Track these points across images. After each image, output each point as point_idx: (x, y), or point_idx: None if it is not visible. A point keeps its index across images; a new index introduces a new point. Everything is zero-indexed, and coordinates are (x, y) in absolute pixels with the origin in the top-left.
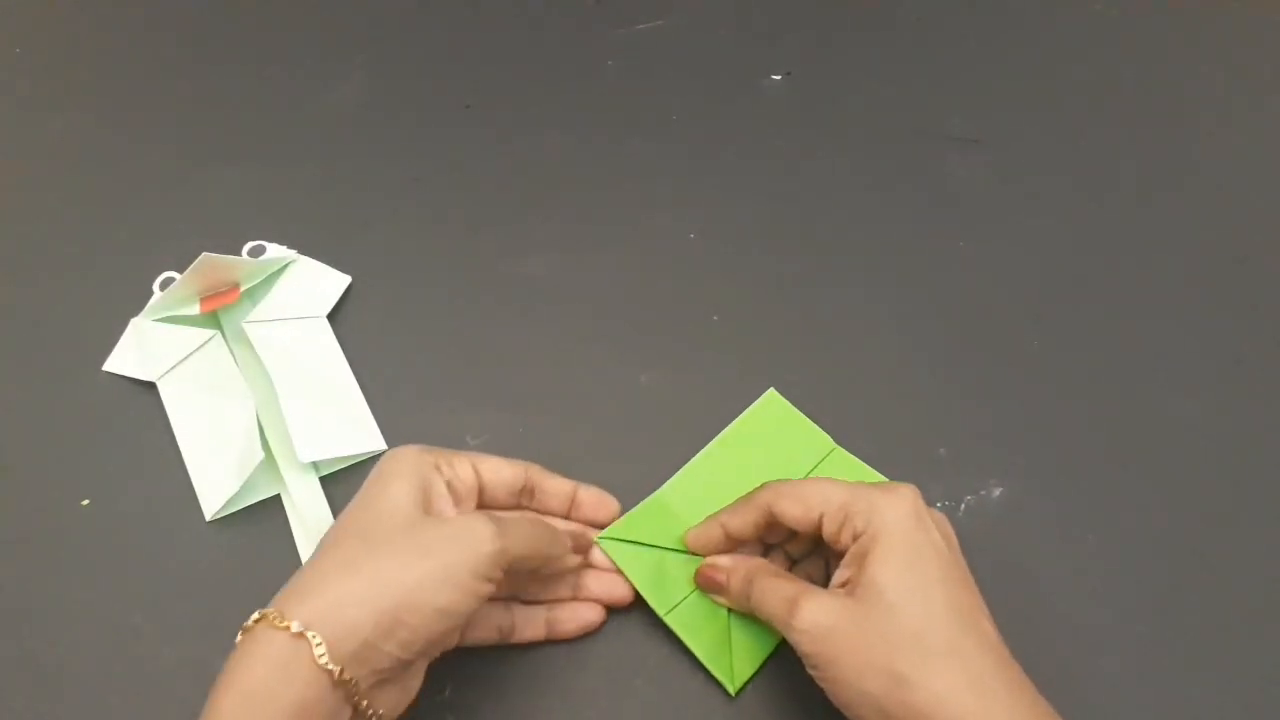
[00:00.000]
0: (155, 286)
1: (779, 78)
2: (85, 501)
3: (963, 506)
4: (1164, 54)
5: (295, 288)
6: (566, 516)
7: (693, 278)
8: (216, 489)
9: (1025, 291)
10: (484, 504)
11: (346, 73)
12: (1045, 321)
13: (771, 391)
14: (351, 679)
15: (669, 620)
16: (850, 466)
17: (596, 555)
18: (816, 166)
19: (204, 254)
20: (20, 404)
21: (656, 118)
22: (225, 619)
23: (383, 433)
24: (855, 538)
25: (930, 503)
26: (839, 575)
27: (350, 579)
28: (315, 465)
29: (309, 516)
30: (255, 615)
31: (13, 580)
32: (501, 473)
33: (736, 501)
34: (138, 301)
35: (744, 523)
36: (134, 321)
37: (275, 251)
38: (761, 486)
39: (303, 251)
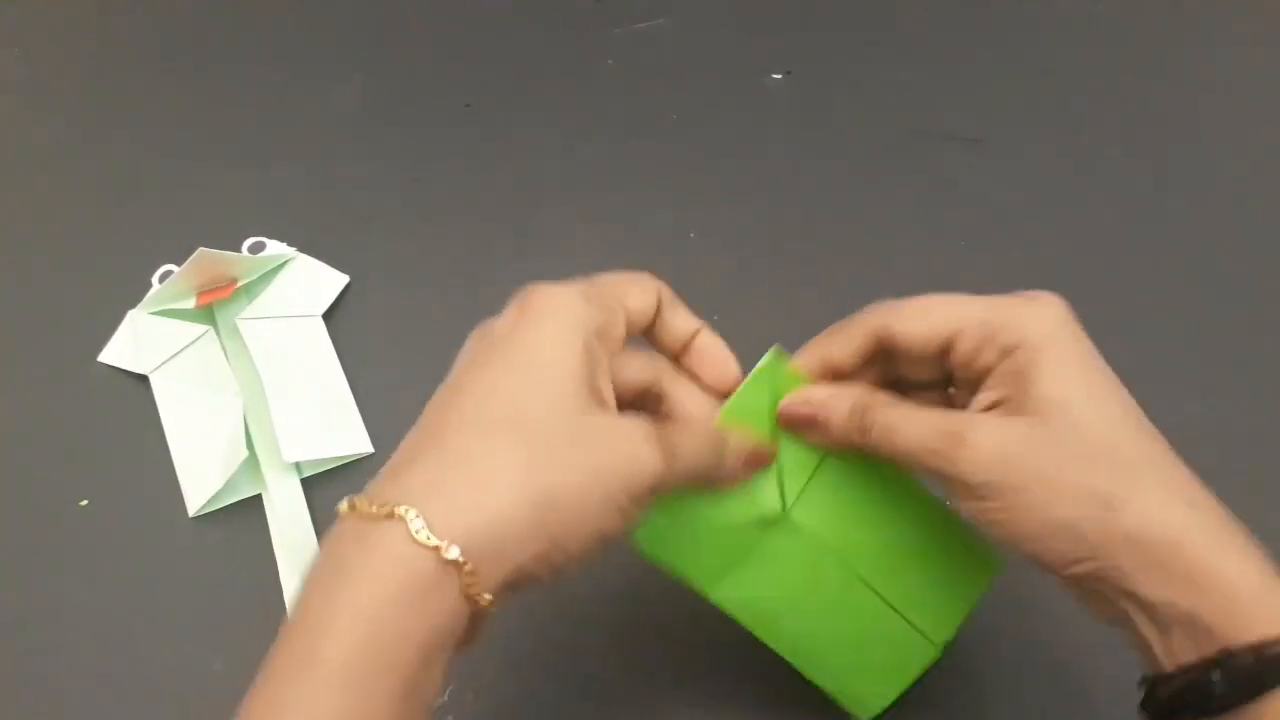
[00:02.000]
0: (154, 280)
1: (779, 77)
2: (84, 502)
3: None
4: (1164, 53)
5: (292, 285)
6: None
7: (693, 278)
8: (201, 486)
9: (1024, 291)
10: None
11: (346, 73)
12: None
13: (776, 349)
14: (494, 608)
15: (725, 603)
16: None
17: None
18: (816, 166)
19: (200, 249)
20: (15, 391)
21: (656, 118)
22: (211, 617)
23: (380, 432)
24: (1005, 354)
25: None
26: (984, 399)
27: (508, 485)
28: (298, 466)
29: (287, 518)
30: (370, 503)
31: (12, 580)
32: (639, 308)
33: (834, 327)
34: (137, 294)
35: (849, 351)
36: (131, 314)
37: (275, 249)
38: (867, 309)
39: (302, 250)
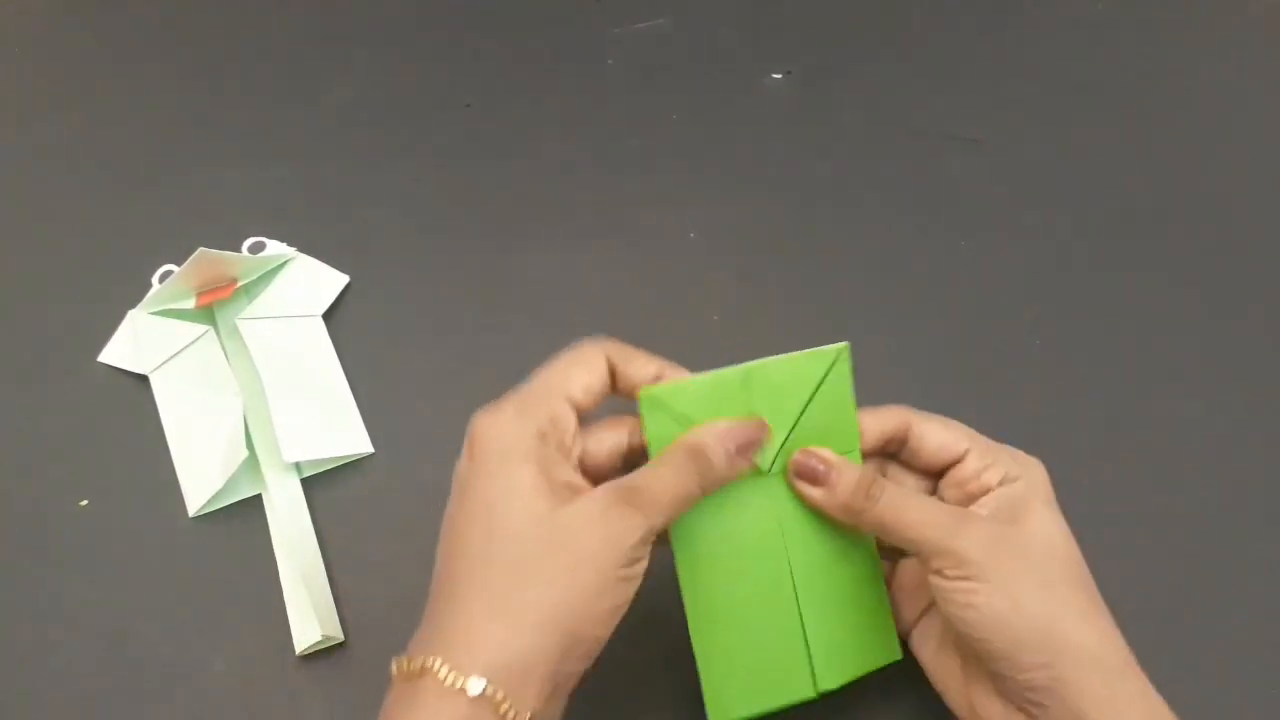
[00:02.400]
0: (154, 280)
1: (779, 77)
2: (83, 502)
3: None
4: (1165, 54)
5: (292, 286)
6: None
7: (693, 277)
8: (201, 485)
9: (1025, 291)
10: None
11: (346, 73)
12: (1045, 321)
13: (845, 346)
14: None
15: (678, 532)
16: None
17: None
18: (816, 166)
19: (200, 249)
20: (14, 391)
21: (656, 117)
22: (211, 617)
23: (380, 432)
24: (1005, 482)
25: None
26: (980, 510)
27: (512, 618)
28: (298, 466)
29: (287, 519)
30: (408, 662)
31: (12, 580)
32: (590, 386)
33: (869, 409)
34: (137, 294)
35: (879, 430)
36: (131, 314)
37: (275, 249)
38: (894, 408)
39: (302, 250)
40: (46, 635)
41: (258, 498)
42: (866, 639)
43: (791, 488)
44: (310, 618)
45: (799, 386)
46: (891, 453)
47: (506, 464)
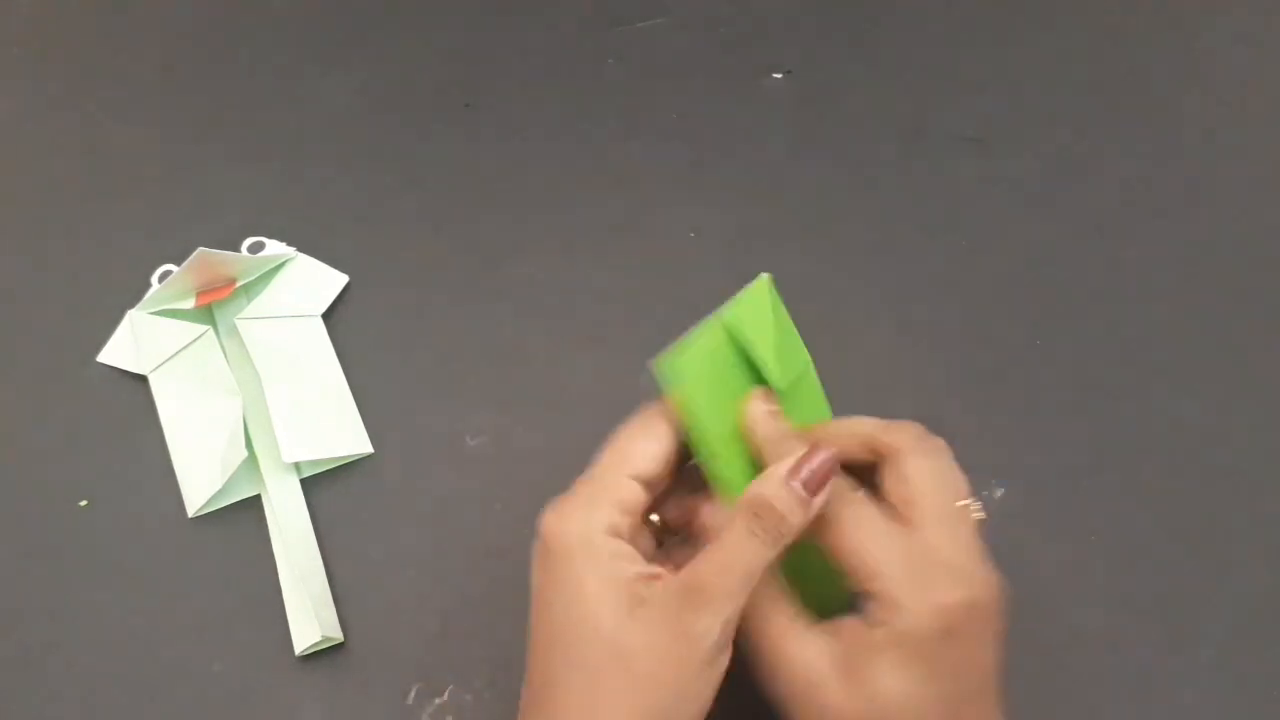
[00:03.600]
0: (153, 279)
1: (779, 77)
2: (83, 502)
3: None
4: (1165, 53)
5: (292, 286)
6: None
7: (693, 278)
8: (200, 486)
9: (1025, 291)
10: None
11: (346, 73)
12: (1045, 321)
13: (765, 278)
14: None
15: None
16: (813, 395)
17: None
18: (816, 166)
19: (200, 249)
20: (14, 391)
21: (656, 117)
22: (211, 617)
23: (380, 432)
24: (870, 616)
25: None
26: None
27: None
28: (298, 467)
29: (286, 519)
30: None
31: (12, 580)
32: (657, 455)
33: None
34: (136, 294)
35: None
36: (130, 314)
37: (274, 249)
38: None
39: (302, 250)
40: (46, 635)
41: (257, 498)
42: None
43: None
44: (309, 618)
45: (760, 320)
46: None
47: (571, 568)
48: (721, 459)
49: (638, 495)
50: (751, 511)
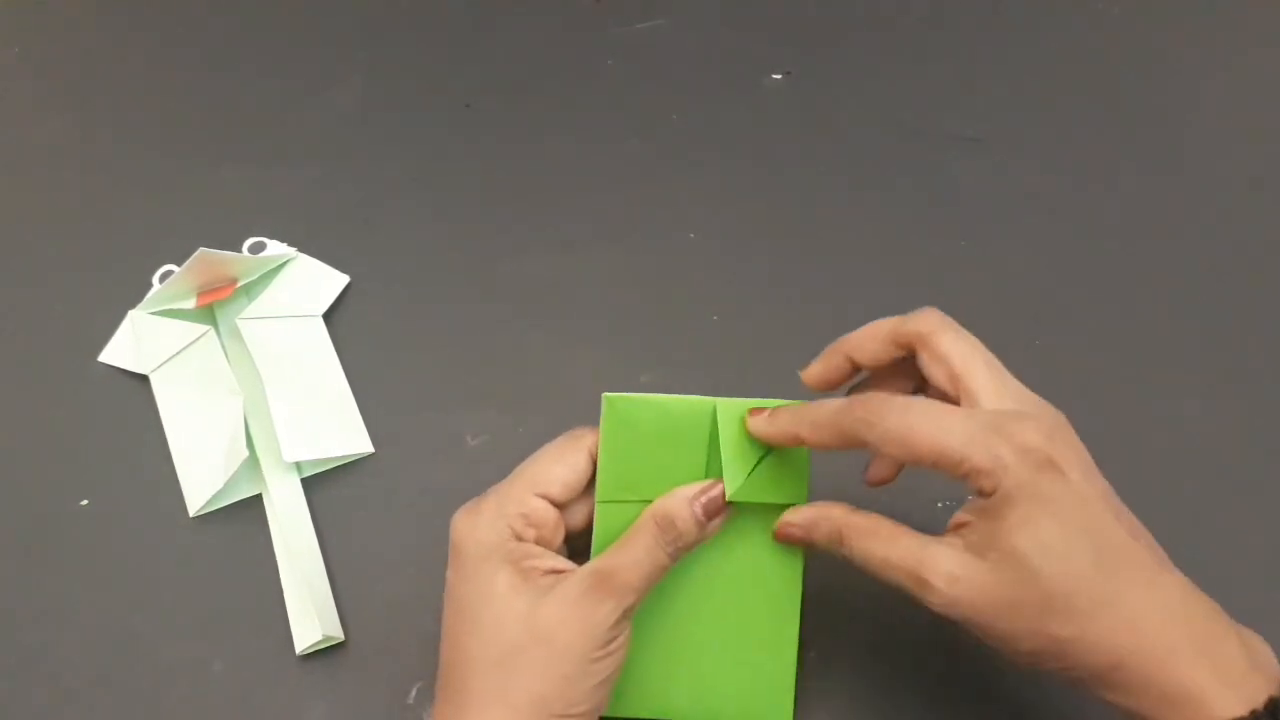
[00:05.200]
0: (155, 280)
1: (779, 77)
2: (85, 501)
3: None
4: (1165, 53)
5: (292, 286)
6: None
7: (693, 278)
8: (201, 485)
9: (1025, 291)
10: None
11: (346, 72)
12: (1045, 321)
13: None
14: None
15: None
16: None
17: None
18: (817, 166)
19: (201, 249)
20: (15, 391)
21: (656, 118)
22: (211, 617)
23: (380, 432)
24: (980, 493)
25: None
26: (959, 517)
27: (506, 710)
28: (299, 466)
29: (287, 519)
30: None
31: (12, 580)
32: (567, 481)
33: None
34: (137, 294)
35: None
36: (131, 314)
37: (275, 249)
38: (855, 402)
39: (302, 250)
40: (47, 635)
41: (258, 497)
42: (755, 694)
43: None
44: (310, 617)
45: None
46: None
47: (483, 566)
48: (607, 512)
49: (544, 511)
50: (656, 521)
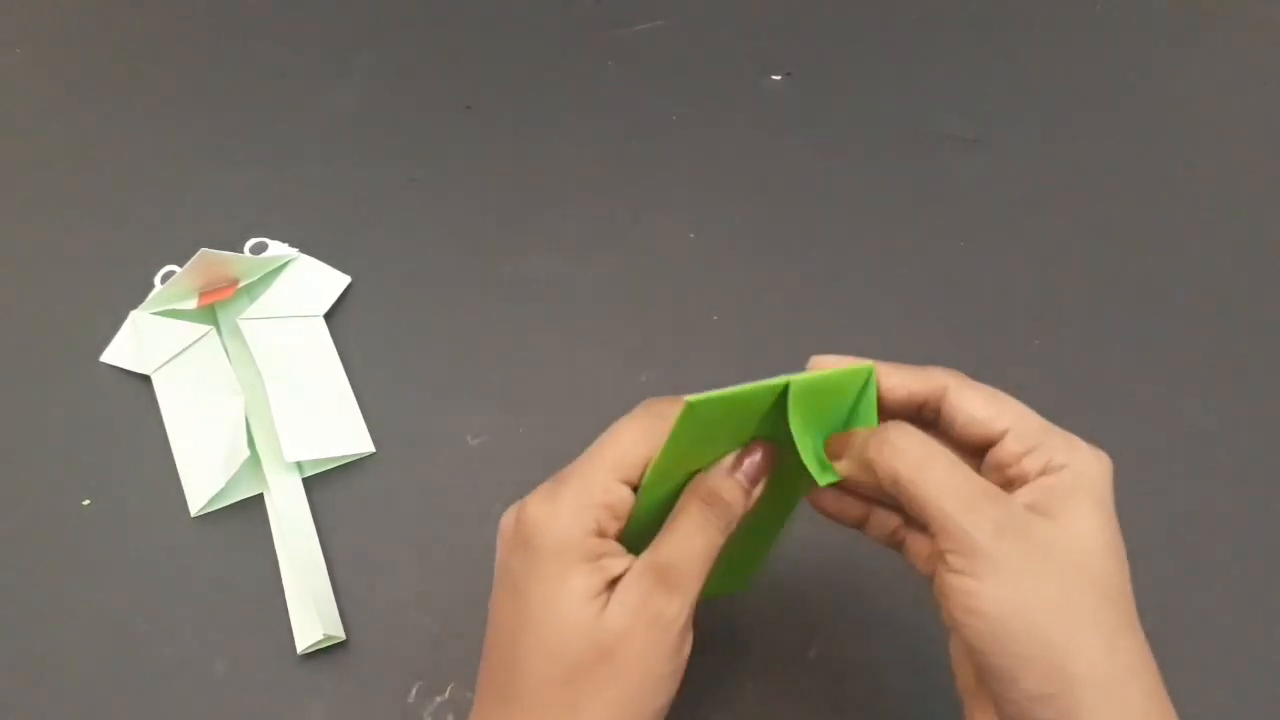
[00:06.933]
0: (156, 280)
1: (779, 78)
2: (86, 502)
3: None
4: (1165, 54)
5: (294, 286)
6: None
7: (693, 278)
8: (202, 485)
9: (1025, 291)
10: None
11: (346, 73)
12: (1045, 321)
13: (872, 367)
14: None
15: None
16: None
17: None
18: (816, 166)
19: (202, 250)
20: (17, 391)
21: (656, 118)
22: (212, 617)
23: (381, 432)
24: (1048, 471)
25: None
26: (1019, 499)
27: None
28: (300, 466)
29: (288, 518)
30: None
31: (14, 580)
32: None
33: (909, 367)
34: (139, 295)
35: (907, 391)
36: (133, 314)
37: (276, 249)
38: (935, 369)
39: (304, 250)
40: (48, 635)
41: (259, 497)
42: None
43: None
44: (312, 616)
45: (833, 405)
46: (929, 420)
47: (563, 568)
48: (653, 494)
49: (626, 500)
50: (701, 499)
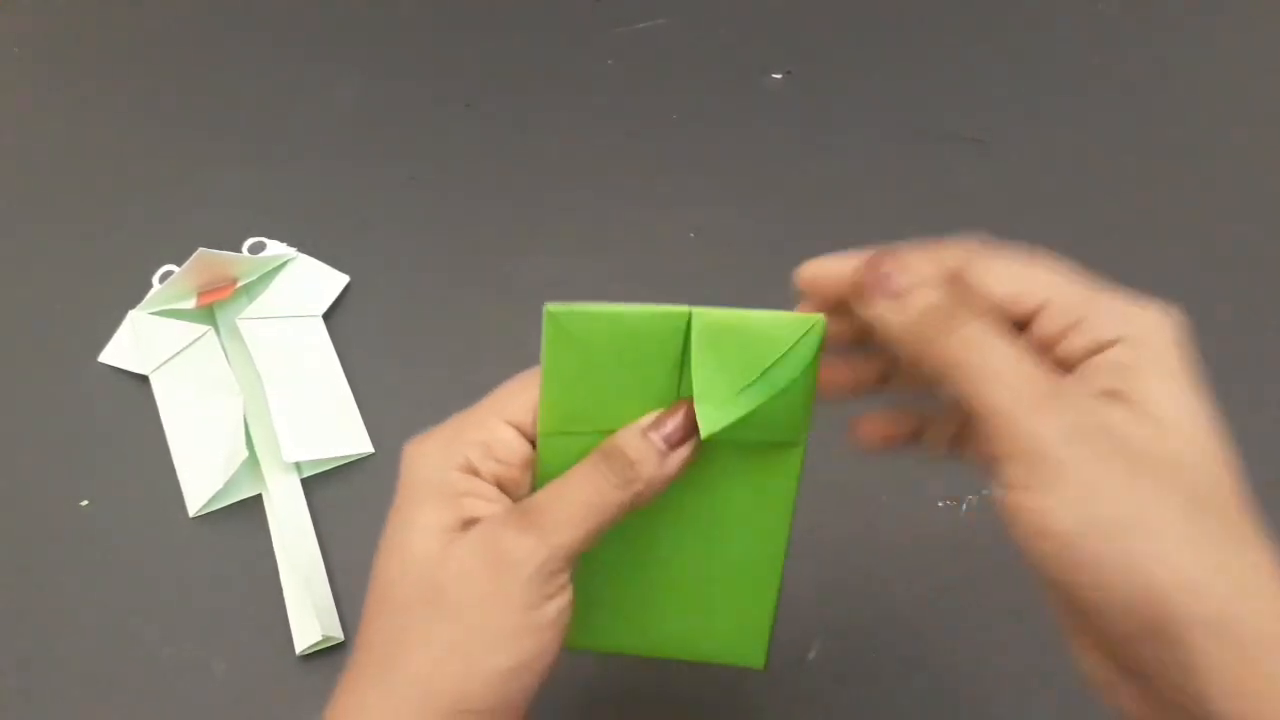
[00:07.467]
0: (155, 280)
1: (779, 77)
2: (85, 502)
3: (964, 506)
4: (1165, 54)
5: (292, 286)
6: None
7: (693, 278)
8: (201, 485)
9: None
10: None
11: (346, 73)
12: None
13: (822, 320)
14: None
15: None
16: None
17: None
18: (816, 166)
19: (200, 250)
20: (15, 391)
21: (656, 117)
22: (211, 617)
23: (380, 432)
24: (1099, 347)
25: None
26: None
27: (388, 693)
28: (298, 466)
29: (287, 518)
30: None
31: (12, 580)
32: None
33: (906, 248)
34: (137, 294)
35: (930, 270)
36: (131, 314)
37: (275, 249)
38: (950, 243)
39: (302, 250)
40: (47, 635)
41: (258, 498)
42: (731, 631)
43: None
44: (310, 617)
45: (755, 354)
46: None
47: (417, 501)
48: (551, 447)
49: (511, 442)
50: (602, 453)
